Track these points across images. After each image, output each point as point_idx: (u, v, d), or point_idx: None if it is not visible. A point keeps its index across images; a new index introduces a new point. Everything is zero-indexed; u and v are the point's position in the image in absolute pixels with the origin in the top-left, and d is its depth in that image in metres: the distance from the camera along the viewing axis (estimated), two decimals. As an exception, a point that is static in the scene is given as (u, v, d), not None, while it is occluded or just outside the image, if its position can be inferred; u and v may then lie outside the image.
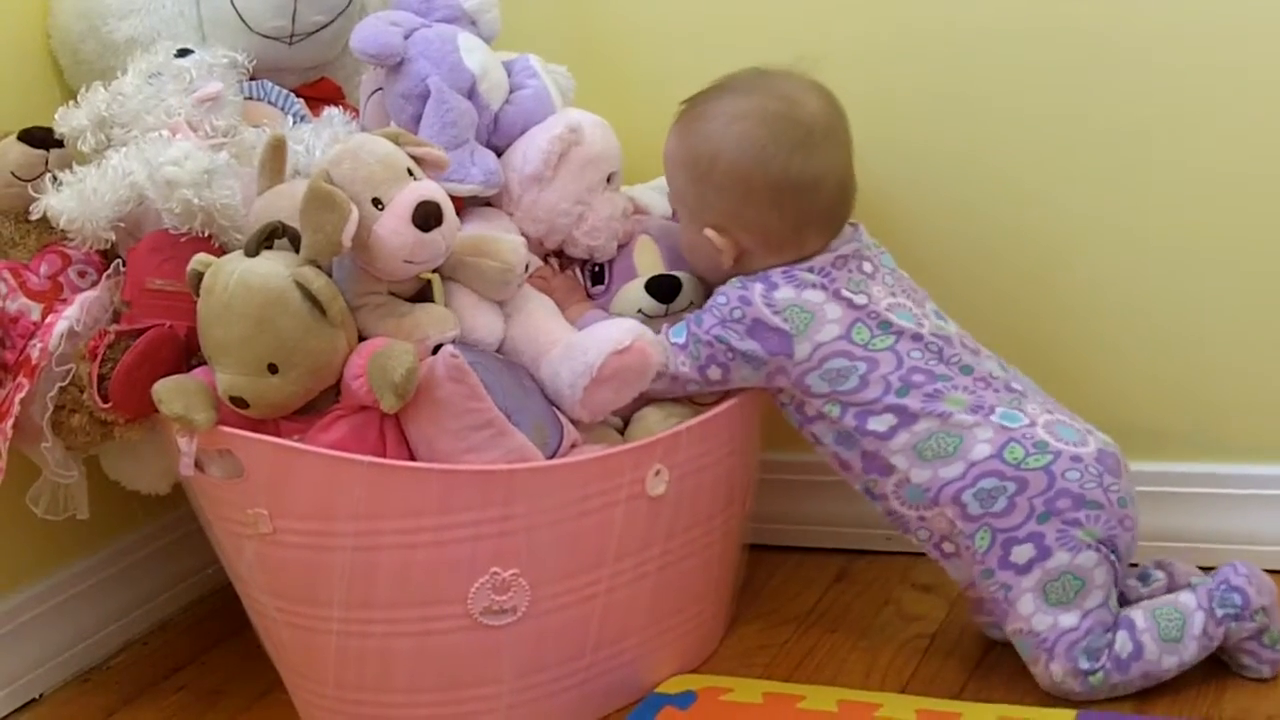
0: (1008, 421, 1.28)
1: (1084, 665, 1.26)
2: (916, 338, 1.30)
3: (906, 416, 1.28)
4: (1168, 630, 1.26)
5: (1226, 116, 1.41)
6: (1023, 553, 1.27)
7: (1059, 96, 1.45)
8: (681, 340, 1.31)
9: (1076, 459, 1.27)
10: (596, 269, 1.40)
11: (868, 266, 1.33)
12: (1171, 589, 1.31)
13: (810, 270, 1.31)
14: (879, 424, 1.29)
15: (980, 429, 1.27)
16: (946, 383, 1.29)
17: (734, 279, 1.32)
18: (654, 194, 1.47)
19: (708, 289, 1.38)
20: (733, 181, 1.31)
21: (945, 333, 1.32)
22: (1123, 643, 1.26)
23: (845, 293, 1.30)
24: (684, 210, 1.36)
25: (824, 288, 1.30)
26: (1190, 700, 1.27)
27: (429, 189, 1.24)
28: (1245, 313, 1.45)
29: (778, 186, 1.30)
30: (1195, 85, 1.41)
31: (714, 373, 1.31)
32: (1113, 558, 1.28)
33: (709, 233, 1.32)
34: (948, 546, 1.32)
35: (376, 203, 1.23)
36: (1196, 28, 1.40)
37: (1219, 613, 1.26)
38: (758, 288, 1.30)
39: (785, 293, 1.29)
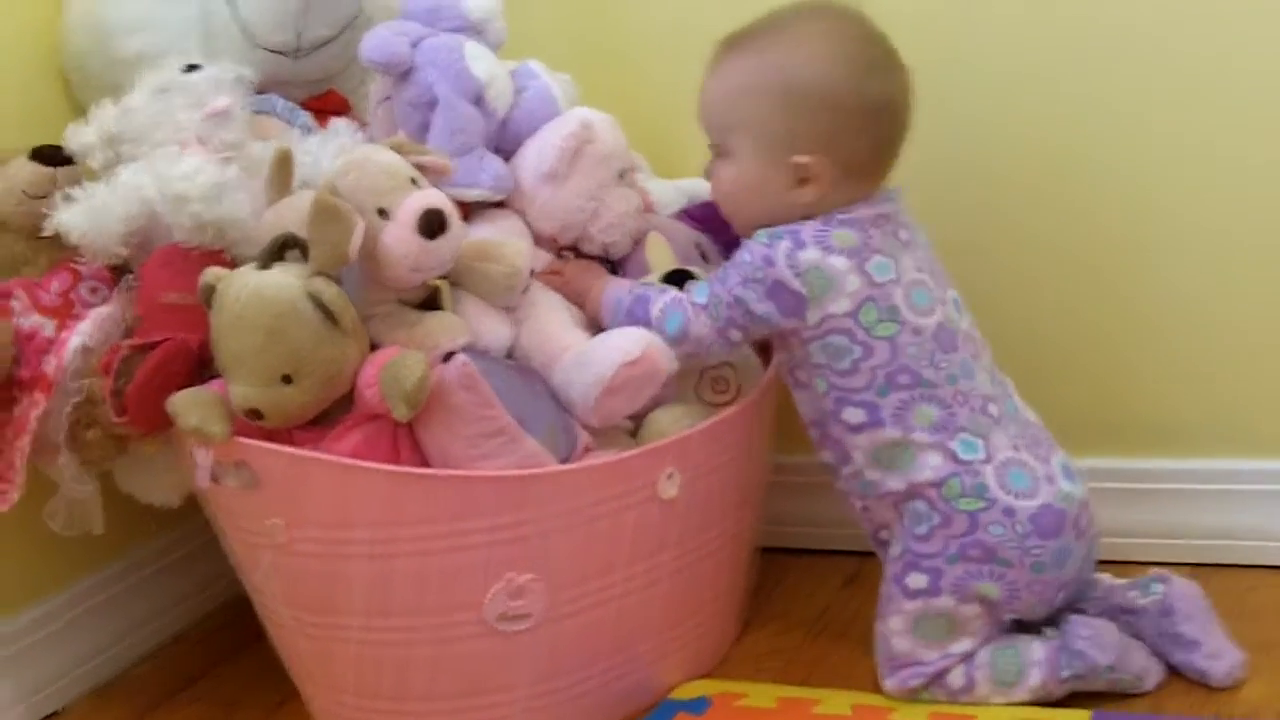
0: (963, 451, 1.27)
1: (913, 685, 1.29)
2: (918, 331, 1.27)
3: (875, 420, 1.27)
4: (1003, 675, 1.28)
5: (1261, 110, 1.40)
6: (917, 580, 1.28)
7: (1089, 85, 1.44)
8: (703, 301, 1.29)
9: (1009, 512, 1.26)
10: (609, 266, 1.39)
11: (904, 234, 1.30)
12: (1165, 609, 1.30)
13: (848, 226, 1.27)
14: (851, 415, 1.28)
15: (932, 453, 1.27)
16: (927, 390, 1.27)
17: (761, 232, 1.28)
18: (664, 187, 1.47)
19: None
20: (826, 105, 1.26)
21: (954, 326, 1.30)
22: (956, 676, 1.28)
23: (871, 265, 1.26)
24: (760, 142, 1.28)
25: (851, 255, 1.26)
26: (1203, 697, 1.27)
27: (433, 197, 1.24)
28: (1267, 308, 1.44)
29: (865, 109, 1.27)
30: (1238, 79, 1.40)
31: (734, 335, 1.30)
32: (1003, 615, 1.29)
33: (801, 160, 1.27)
34: (884, 534, 1.33)
35: (382, 213, 1.23)
36: (1216, 22, 1.40)
37: (1064, 674, 1.27)
38: (784, 245, 1.26)
39: (811, 254, 1.26)
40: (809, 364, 1.29)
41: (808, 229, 1.27)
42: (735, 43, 1.30)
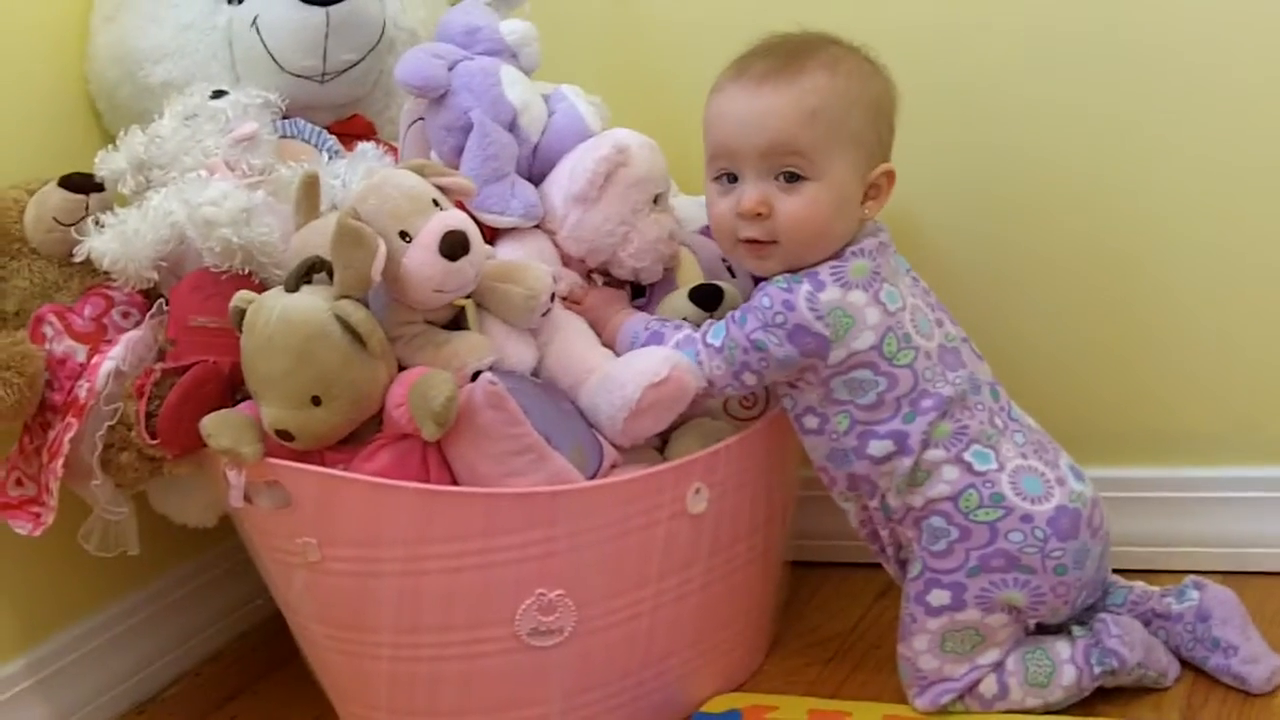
0: (977, 462, 1.27)
1: (945, 702, 1.29)
2: (928, 355, 1.28)
3: (904, 448, 1.27)
4: (1035, 676, 1.28)
5: (1264, 124, 1.40)
6: (939, 597, 1.28)
7: (1092, 104, 1.45)
8: (718, 343, 1.28)
9: (1027, 519, 1.26)
10: (639, 291, 1.40)
11: (894, 262, 1.31)
12: (1201, 614, 1.30)
13: (859, 257, 1.27)
14: (877, 448, 1.28)
15: (947, 467, 1.27)
16: (945, 405, 1.27)
17: (779, 277, 1.27)
18: (689, 203, 1.47)
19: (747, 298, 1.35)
20: (891, 114, 1.29)
21: (954, 345, 1.31)
22: (989, 684, 1.28)
23: (883, 294, 1.26)
24: (854, 156, 1.26)
25: (866, 288, 1.26)
26: (1238, 704, 1.27)
27: (454, 218, 1.25)
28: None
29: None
30: (1242, 92, 1.41)
31: (749, 379, 1.29)
32: (1028, 620, 1.29)
33: (886, 168, 1.28)
34: (904, 554, 1.33)
35: (404, 235, 1.24)
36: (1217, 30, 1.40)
37: (1096, 670, 1.28)
38: (804, 289, 1.25)
39: (831, 294, 1.25)
40: (830, 400, 1.28)
41: (824, 269, 1.27)
42: (791, 61, 1.27)
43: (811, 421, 1.31)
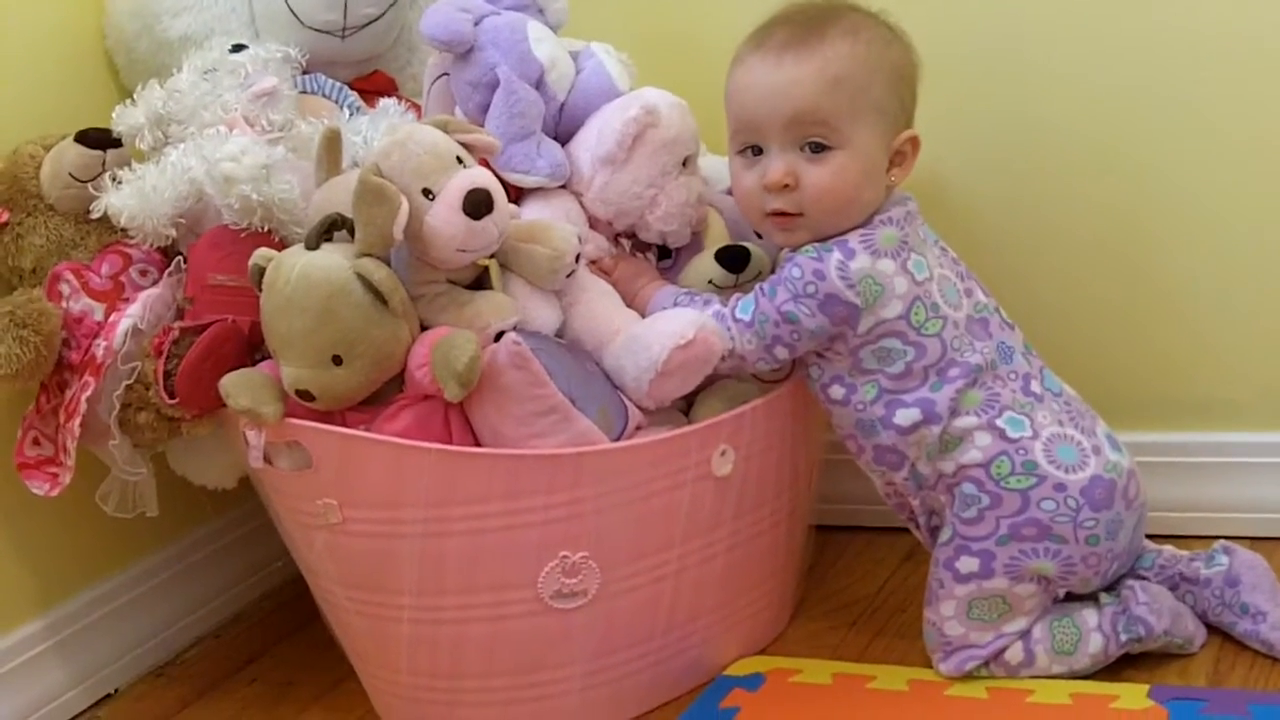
0: (1010, 429, 1.26)
1: (970, 668, 1.29)
2: (956, 324, 1.27)
3: (931, 417, 1.26)
4: (1061, 644, 1.27)
5: None
6: (968, 564, 1.27)
7: (1115, 78, 1.44)
8: (748, 318, 1.28)
9: (1060, 487, 1.25)
10: (667, 253, 1.39)
11: (922, 231, 1.30)
12: (1230, 580, 1.30)
13: (888, 225, 1.26)
14: (904, 417, 1.27)
15: (980, 433, 1.26)
16: (974, 374, 1.26)
17: (808, 247, 1.27)
18: (717, 163, 1.45)
19: (774, 264, 1.35)
20: (914, 79, 1.28)
21: (985, 314, 1.30)
22: (1014, 652, 1.28)
23: (911, 263, 1.26)
24: (879, 124, 1.26)
25: (894, 256, 1.26)
26: (1266, 669, 1.26)
27: (478, 176, 1.23)
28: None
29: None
30: (1259, 64, 1.40)
31: (780, 352, 1.28)
32: (1058, 590, 1.28)
33: (909, 134, 1.27)
34: (935, 521, 1.32)
35: (427, 193, 1.23)
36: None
37: (1122, 637, 1.27)
38: (834, 257, 1.25)
39: (861, 262, 1.25)
40: (859, 370, 1.28)
41: (854, 237, 1.26)
42: (811, 30, 1.26)
43: (838, 392, 1.30)
